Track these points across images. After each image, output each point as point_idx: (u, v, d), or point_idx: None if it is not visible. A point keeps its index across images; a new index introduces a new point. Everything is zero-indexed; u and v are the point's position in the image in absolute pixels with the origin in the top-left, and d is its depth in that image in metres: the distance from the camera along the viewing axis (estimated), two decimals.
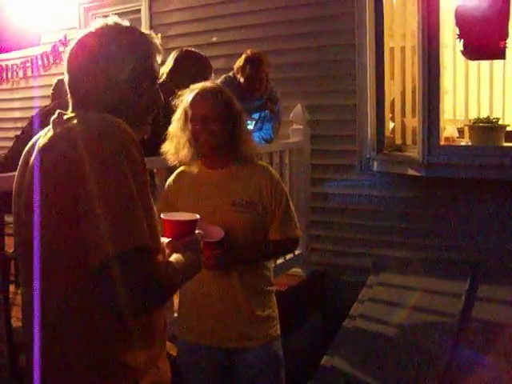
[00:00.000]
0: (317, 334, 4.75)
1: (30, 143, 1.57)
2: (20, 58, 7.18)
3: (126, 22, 1.63)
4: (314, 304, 4.88)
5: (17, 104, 7.32)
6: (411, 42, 4.67)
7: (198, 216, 1.73)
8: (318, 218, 5.10)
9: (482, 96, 5.13)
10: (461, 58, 4.36)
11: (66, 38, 6.78)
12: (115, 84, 1.56)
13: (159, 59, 1.68)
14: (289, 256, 4.61)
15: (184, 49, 3.87)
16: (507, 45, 3.39)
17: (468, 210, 4.46)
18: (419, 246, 4.69)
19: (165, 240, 1.63)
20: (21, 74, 7.35)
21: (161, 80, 3.47)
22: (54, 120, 1.52)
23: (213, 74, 3.92)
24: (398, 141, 4.96)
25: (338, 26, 5.01)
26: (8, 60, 7.33)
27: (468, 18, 3.35)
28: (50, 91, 4.73)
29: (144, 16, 6.14)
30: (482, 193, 4.38)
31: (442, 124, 4.47)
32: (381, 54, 4.77)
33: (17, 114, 7.13)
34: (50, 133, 1.49)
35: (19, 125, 6.15)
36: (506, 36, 3.36)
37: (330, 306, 4.91)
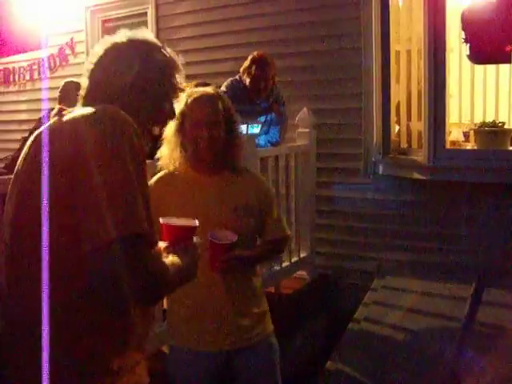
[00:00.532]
0: (321, 337, 4.74)
1: (30, 138, 1.56)
2: (27, 60, 7.22)
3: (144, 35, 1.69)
4: (319, 307, 4.88)
5: (23, 106, 7.35)
6: (417, 45, 4.68)
7: (197, 223, 1.72)
8: (323, 221, 5.10)
9: (487, 100, 5.12)
10: (467, 62, 4.36)
11: (72, 41, 6.82)
12: (122, 88, 1.58)
13: (179, 77, 1.78)
14: (294, 259, 4.62)
15: None
16: None
17: (473, 214, 4.45)
18: (424, 250, 4.69)
19: (162, 244, 1.62)
20: (27, 76, 7.38)
21: None
22: (55, 113, 1.53)
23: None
24: (404, 144, 4.96)
25: (344, 30, 5.01)
26: (15, 62, 7.37)
27: (474, 22, 3.35)
28: (56, 93, 4.74)
29: (150, 19, 6.16)
30: (487, 197, 4.38)
31: (447, 128, 4.46)
32: (387, 58, 4.77)
33: (23, 116, 7.16)
34: (50, 122, 1.50)
35: (25, 127, 6.17)
36: None
37: (334, 309, 4.91)
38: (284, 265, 4.50)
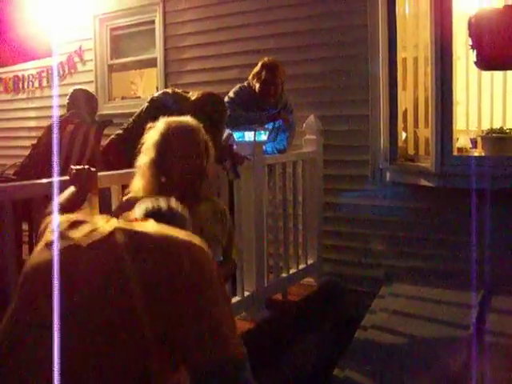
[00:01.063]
0: (329, 344, 4.73)
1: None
2: (36, 68, 7.27)
3: None
4: (326, 314, 4.87)
5: (32, 113, 7.39)
6: (424, 52, 4.68)
7: None
8: (331, 227, 5.10)
9: (495, 106, 5.12)
10: (474, 69, 4.36)
11: (80, 49, 6.86)
12: None
13: None
14: (301, 266, 4.63)
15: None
16: None
17: (481, 221, 4.44)
18: (431, 257, 4.68)
19: None
20: (36, 83, 7.43)
21: None
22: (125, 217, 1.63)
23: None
24: (411, 151, 4.96)
25: (350, 37, 5.03)
26: (24, 70, 7.42)
27: (481, 29, 3.35)
28: (65, 101, 4.77)
29: (158, 27, 6.19)
30: (495, 203, 4.36)
31: (454, 134, 4.46)
32: (393, 65, 4.77)
33: (32, 124, 7.20)
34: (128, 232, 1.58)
35: (34, 134, 6.20)
36: None
37: (342, 316, 4.90)
38: (291, 271, 4.50)
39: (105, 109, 6.49)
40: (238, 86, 4.68)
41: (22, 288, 1.58)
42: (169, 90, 4.04)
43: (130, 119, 3.94)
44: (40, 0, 4.86)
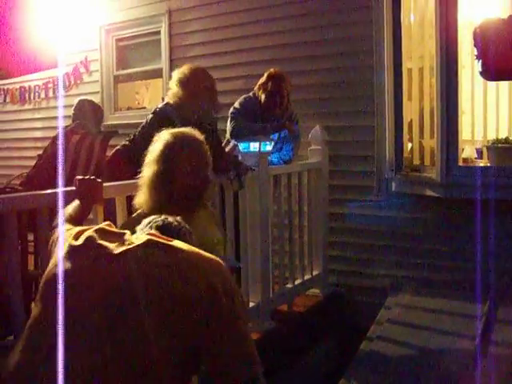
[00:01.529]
0: (334, 355, 4.71)
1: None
2: (42, 79, 7.32)
3: None
4: (332, 325, 4.85)
5: (38, 124, 7.43)
6: (429, 62, 4.68)
7: None
8: (336, 238, 5.09)
9: (500, 116, 5.11)
10: (479, 79, 4.35)
11: (86, 60, 6.89)
12: None
13: None
14: (307, 276, 4.62)
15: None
16: None
17: (486, 231, 4.42)
18: (437, 267, 4.66)
19: None
20: (43, 94, 7.47)
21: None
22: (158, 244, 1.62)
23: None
24: (416, 161, 4.95)
25: (356, 48, 5.03)
26: (30, 81, 7.47)
27: (486, 39, 3.35)
28: (71, 111, 4.79)
29: (164, 37, 6.22)
30: (500, 214, 4.34)
31: (460, 145, 4.45)
32: (399, 75, 4.78)
33: (38, 134, 7.23)
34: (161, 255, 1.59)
35: (40, 144, 6.23)
36: None
37: (347, 327, 4.88)
38: (297, 282, 4.49)
39: (110, 119, 6.52)
40: (243, 97, 4.69)
41: (47, 295, 1.61)
42: (171, 101, 4.04)
43: (136, 130, 3.94)
44: (46, 11, 4.89)
